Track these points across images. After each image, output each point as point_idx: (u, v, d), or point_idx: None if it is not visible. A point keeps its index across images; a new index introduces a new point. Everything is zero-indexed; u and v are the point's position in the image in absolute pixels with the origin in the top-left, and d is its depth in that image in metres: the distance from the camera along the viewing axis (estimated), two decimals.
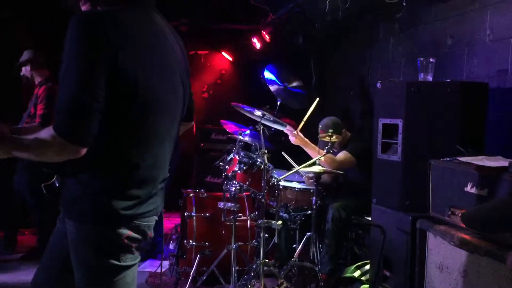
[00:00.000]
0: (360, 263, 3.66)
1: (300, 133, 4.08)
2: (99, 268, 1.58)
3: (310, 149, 4.08)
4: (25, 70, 4.50)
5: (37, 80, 4.48)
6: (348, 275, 3.59)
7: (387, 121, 3.00)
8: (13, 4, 5.45)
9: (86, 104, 1.41)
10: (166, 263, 4.25)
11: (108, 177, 1.56)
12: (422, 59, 3.05)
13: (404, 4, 4.06)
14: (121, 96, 1.49)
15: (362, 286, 3.45)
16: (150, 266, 4.27)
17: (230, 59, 7.40)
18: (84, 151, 1.46)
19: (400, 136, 2.91)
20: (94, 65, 1.43)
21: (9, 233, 4.80)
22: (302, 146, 4.09)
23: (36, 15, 5.60)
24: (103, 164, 1.55)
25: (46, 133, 1.46)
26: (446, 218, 2.40)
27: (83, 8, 1.67)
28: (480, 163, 2.26)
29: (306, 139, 4.08)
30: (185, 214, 3.98)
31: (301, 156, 4.20)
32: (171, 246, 4.38)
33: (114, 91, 1.47)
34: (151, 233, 1.71)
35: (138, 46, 1.54)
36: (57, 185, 1.76)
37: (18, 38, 5.61)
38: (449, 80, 3.18)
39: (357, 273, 3.56)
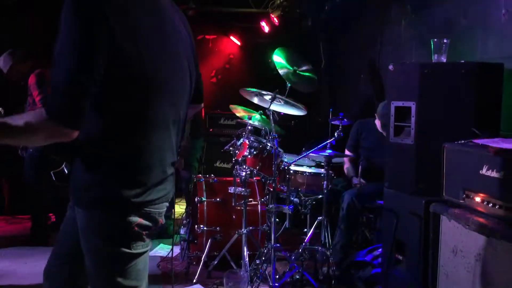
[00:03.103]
0: (371, 247, 3.64)
1: None
2: (110, 256, 1.55)
3: None
4: (15, 75, 4.40)
5: (23, 70, 4.37)
6: (360, 259, 3.58)
7: (400, 103, 2.95)
8: None
9: (81, 86, 1.35)
10: (177, 248, 4.27)
11: (115, 164, 1.52)
12: (436, 40, 2.98)
13: None
14: (123, 79, 1.44)
15: (374, 270, 3.43)
16: (162, 251, 4.29)
17: (239, 43, 7.34)
18: (76, 134, 1.40)
19: (413, 119, 2.86)
20: (90, 45, 1.36)
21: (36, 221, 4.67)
22: None
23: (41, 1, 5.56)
24: (110, 150, 1.51)
25: (36, 115, 1.38)
26: (461, 201, 2.36)
27: None
28: (496, 145, 2.21)
29: None
30: (196, 199, 3.97)
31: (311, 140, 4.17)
32: (182, 231, 4.39)
33: (115, 74, 1.42)
34: (162, 220, 1.67)
35: (142, 26, 1.49)
36: (66, 172, 1.75)
37: (24, 24, 5.58)
38: (463, 61, 3.12)
39: (368, 257, 3.54)
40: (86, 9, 1.37)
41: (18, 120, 1.39)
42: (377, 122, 4.14)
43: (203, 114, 4.99)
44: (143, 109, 1.52)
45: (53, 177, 1.78)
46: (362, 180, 4.01)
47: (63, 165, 1.77)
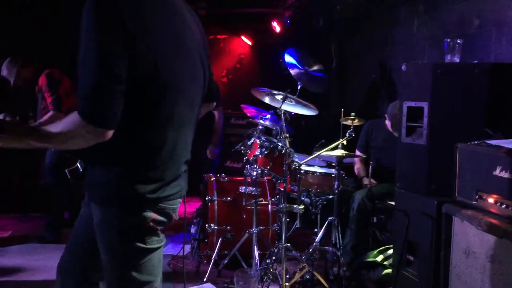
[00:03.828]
0: (382, 247, 3.63)
1: None
2: (125, 251, 1.58)
3: None
4: (21, 81, 4.38)
5: (28, 76, 4.38)
6: (371, 259, 3.57)
7: (412, 104, 2.94)
8: None
9: (108, 87, 1.40)
10: (188, 247, 4.29)
11: (130, 161, 1.55)
12: (449, 40, 2.96)
13: None
14: (138, 79, 1.47)
15: (385, 270, 3.42)
16: (173, 250, 4.31)
17: (250, 43, 7.35)
18: (110, 133, 1.44)
19: (425, 119, 2.84)
20: (112, 47, 1.40)
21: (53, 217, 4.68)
22: None
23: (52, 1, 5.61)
24: (125, 148, 1.54)
25: (71, 119, 1.43)
26: (473, 202, 2.35)
27: None
28: (509, 146, 2.19)
29: None
30: (207, 198, 3.99)
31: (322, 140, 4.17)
32: (192, 230, 4.40)
33: (132, 74, 1.45)
34: (175, 216, 1.72)
35: (155, 28, 1.52)
36: (81, 170, 1.77)
37: (35, 24, 5.64)
38: (476, 61, 3.10)
39: (379, 258, 3.53)
40: (105, 13, 1.41)
41: (55, 127, 1.44)
42: (387, 122, 4.13)
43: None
44: (158, 108, 1.54)
45: (68, 175, 1.80)
46: (372, 181, 4.00)
47: (78, 163, 1.79)
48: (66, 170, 1.81)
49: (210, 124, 4.96)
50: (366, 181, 4.14)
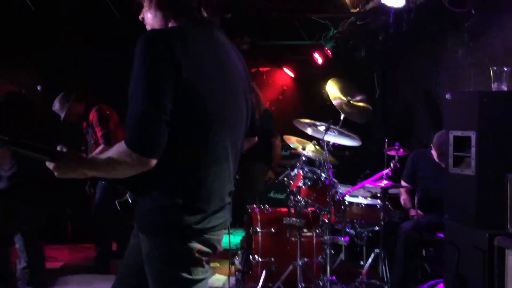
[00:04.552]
0: (432, 282, 3.51)
1: None
2: (172, 281, 1.61)
3: None
4: (72, 116, 4.51)
5: (79, 111, 4.53)
6: None
7: (459, 133, 2.89)
8: (75, 18, 5.78)
9: (154, 116, 1.47)
10: (232, 278, 4.28)
11: (177, 192, 1.60)
12: (495, 68, 2.92)
13: (473, 12, 3.91)
14: (186, 111, 1.54)
15: None
16: (217, 282, 4.32)
17: (292, 75, 7.43)
18: (154, 162, 1.50)
19: (473, 149, 2.78)
20: (161, 80, 1.48)
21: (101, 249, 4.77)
22: None
23: (96, 28, 5.90)
24: (172, 179, 1.60)
25: (118, 148, 1.51)
26: None
27: (152, 17, 1.71)
28: None
29: None
30: (250, 229, 4.00)
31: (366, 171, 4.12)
32: (237, 262, 4.40)
33: (179, 107, 1.51)
34: (220, 247, 1.74)
35: (202, 63, 1.59)
36: (130, 201, 1.84)
37: (79, 50, 5.96)
38: None
39: None
40: (156, 47, 1.50)
41: (103, 156, 1.53)
42: (433, 152, 4.05)
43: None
44: (203, 140, 1.60)
45: (118, 206, 1.87)
46: (419, 212, 3.90)
47: (127, 195, 1.86)
48: (116, 201, 1.88)
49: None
50: (412, 212, 4.04)
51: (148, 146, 1.48)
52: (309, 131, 3.85)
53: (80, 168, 1.55)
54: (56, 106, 4.51)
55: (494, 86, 2.94)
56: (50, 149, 1.53)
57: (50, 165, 1.54)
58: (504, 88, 2.92)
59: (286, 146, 5.04)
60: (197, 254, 1.62)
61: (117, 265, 1.90)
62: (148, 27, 1.73)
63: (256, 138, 2.09)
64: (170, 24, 1.68)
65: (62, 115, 4.49)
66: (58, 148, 1.55)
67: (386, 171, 3.60)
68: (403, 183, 4.32)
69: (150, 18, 1.71)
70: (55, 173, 1.55)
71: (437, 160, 4.00)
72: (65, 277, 4.51)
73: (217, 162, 1.66)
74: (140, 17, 1.76)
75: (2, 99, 3.67)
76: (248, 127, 1.87)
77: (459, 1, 4.01)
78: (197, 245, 1.61)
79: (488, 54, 4.06)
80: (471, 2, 3.85)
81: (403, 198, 4.34)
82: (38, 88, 3.78)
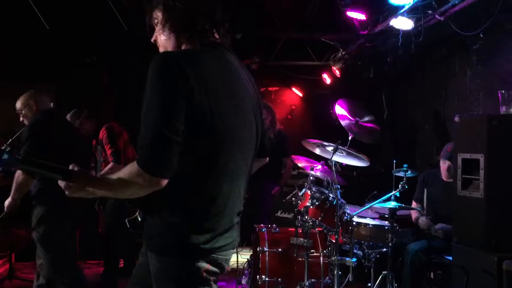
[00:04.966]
0: None
1: None
2: None
3: None
4: (85, 132, 4.52)
5: (90, 128, 4.59)
6: None
7: (467, 156, 2.89)
8: (98, 49, 5.91)
9: (167, 137, 1.49)
10: None
11: (187, 212, 1.62)
12: (503, 91, 2.93)
13: (481, 35, 3.94)
14: (197, 132, 1.56)
15: None
16: None
17: (300, 94, 7.48)
18: (165, 182, 1.52)
19: (482, 172, 2.78)
20: (173, 101, 1.51)
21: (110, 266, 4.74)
22: None
23: (117, 58, 6.01)
24: (182, 199, 1.62)
25: (129, 169, 1.53)
26: None
27: (165, 39, 1.74)
28: None
29: None
30: (258, 249, 3.99)
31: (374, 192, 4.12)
32: (243, 281, 4.38)
33: (191, 127, 1.54)
34: (228, 267, 1.74)
35: (213, 85, 1.62)
36: (140, 220, 1.86)
37: (102, 79, 6.04)
38: None
39: None
40: (169, 68, 1.53)
41: (114, 176, 1.55)
42: (442, 165, 3.97)
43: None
44: (214, 160, 1.62)
45: (128, 225, 1.89)
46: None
47: (137, 213, 1.88)
48: (126, 220, 1.90)
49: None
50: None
51: (160, 167, 1.50)
52: (317, 151, 3.86)
53: (90, 188, 1.57)
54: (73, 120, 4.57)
55: (502, 109, 2.95)
56: (62, 168, 1.56)
57: (61, 183, 1.56)
58: None
59: (295, 166, 5.05)
60: (205, 274, 1.63)
61: (125, 282, 1.91)
62: (161, 49, 1.76)
63: (267, 159, 2.10)
64: (183, 47, 1.72)
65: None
66: (70, 167, 1.57)
67: (394, 192, 3.59)
68: (414, 204, 4.30)
69: (163, 40, 1.75)
70: (66, 192, 1.58)
71: (445, 173, 3.94)
72: None
73: (228, 182, 1.67)
74: (152, 40, 1.80)
75: (39, 117, 3.44)
76: (259, 147, 1.88)
77: (467, 24, 4.05)
78: (205, 265, 1.62)
79: (496, 77, 4.08)
80: (479, 25, 3.88)
81: (416, 216, 4.29)
82: (51, 105, 3.81)
